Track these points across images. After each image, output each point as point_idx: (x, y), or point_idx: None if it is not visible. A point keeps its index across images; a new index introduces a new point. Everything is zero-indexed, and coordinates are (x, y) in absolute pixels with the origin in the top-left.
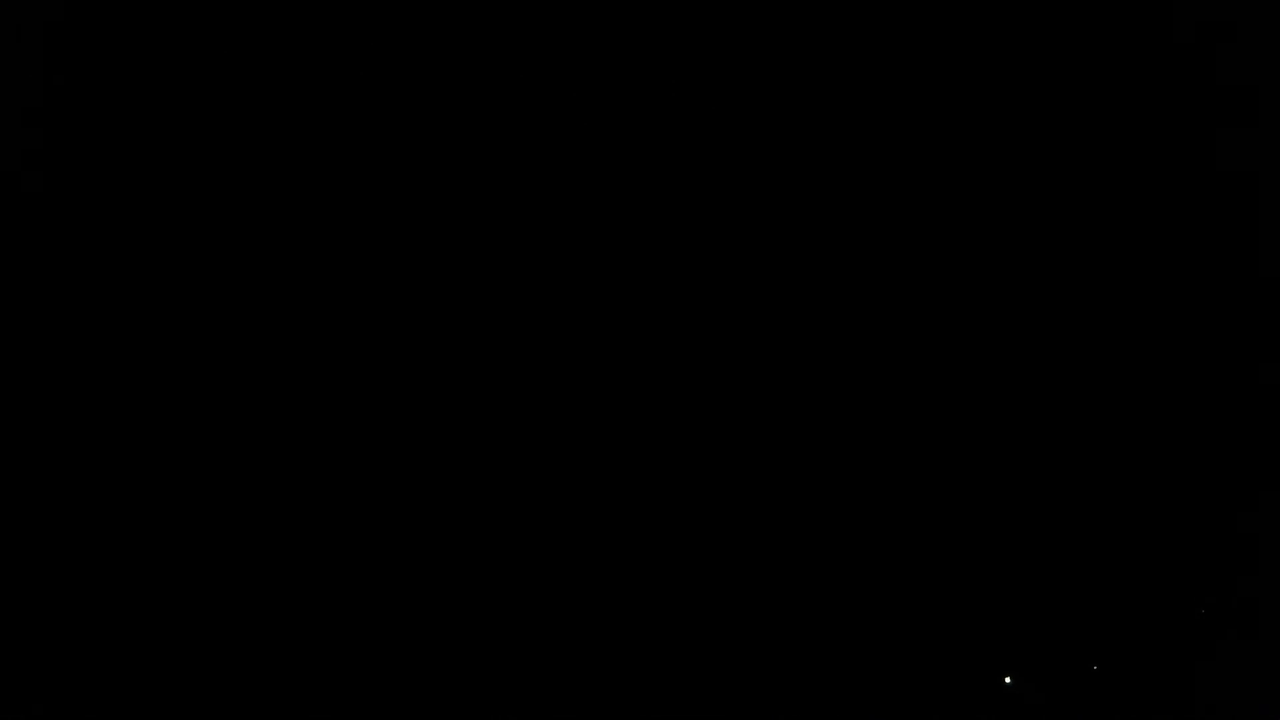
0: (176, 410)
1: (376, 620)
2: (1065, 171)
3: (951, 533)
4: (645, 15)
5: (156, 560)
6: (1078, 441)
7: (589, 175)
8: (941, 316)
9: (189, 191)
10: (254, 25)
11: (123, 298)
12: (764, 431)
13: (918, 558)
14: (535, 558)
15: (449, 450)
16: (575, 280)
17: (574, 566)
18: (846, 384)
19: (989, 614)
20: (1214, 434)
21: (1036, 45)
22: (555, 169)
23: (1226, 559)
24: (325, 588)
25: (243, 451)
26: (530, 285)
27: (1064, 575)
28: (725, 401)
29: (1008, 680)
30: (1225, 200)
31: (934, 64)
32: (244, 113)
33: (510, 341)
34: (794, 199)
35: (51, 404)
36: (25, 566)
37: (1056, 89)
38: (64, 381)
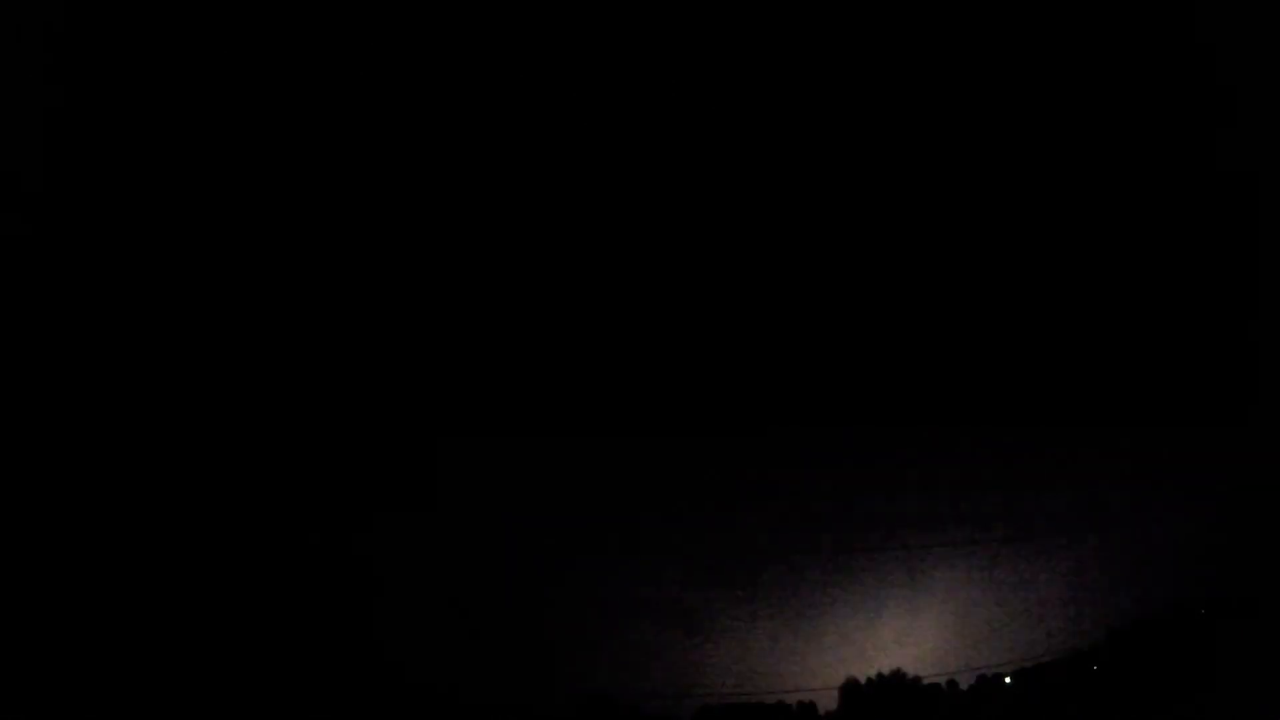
0: (175, 408)
1: (371, 618)
2: (1066, 169)
3: (954, 531)
4: (646, 15)
5: (155, 559)
6: (1080, 440)
7: (580, 169)
8: (942, 318)
9: (188, 191)
10: (253, 27)
11: (122, 296)
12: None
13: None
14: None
15: (447, 445)
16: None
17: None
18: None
19: (988, 613)
20: (1214, 432)
21: (1037, 46)
22: (551, 166)
23: (1226, 558)
24: (322, 586)
25: (240, 449)
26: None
27: (1063, 573)
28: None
29: (1008, 680)
30: (1225, 200)
31: (935, 64)
32: (243, 115)
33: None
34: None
35: (51, 402)
36: (25, 566)
37: (1057, 89)
38: (64, 379)
